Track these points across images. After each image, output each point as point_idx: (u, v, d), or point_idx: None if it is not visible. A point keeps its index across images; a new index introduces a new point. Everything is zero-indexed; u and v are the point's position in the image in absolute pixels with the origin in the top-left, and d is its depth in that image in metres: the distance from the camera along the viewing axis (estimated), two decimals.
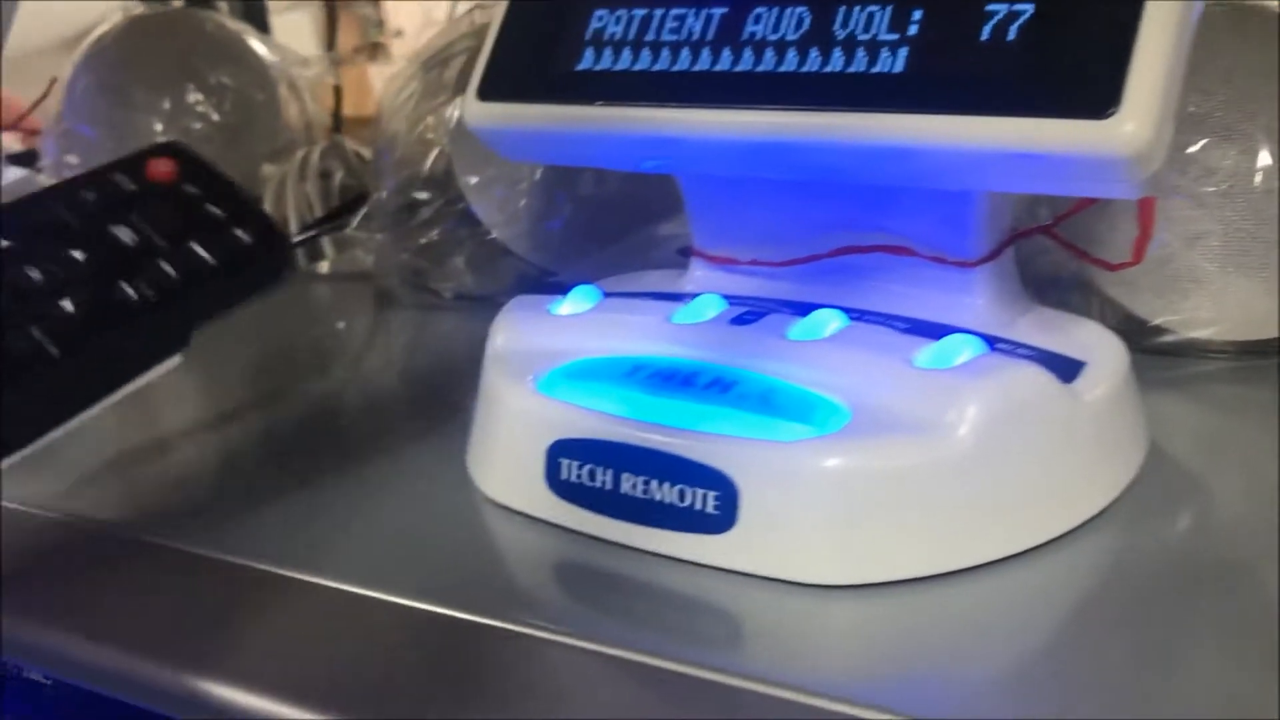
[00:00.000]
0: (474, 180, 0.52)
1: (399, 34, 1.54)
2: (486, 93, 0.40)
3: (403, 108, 0.57)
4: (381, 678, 0.30)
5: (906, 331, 0.36)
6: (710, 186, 0.41)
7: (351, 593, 0.33)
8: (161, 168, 0.39)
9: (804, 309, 0.38)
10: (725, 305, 0.39)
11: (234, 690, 0.30)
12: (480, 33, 0.57)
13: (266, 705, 0.29)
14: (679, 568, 0.33)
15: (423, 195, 0.55)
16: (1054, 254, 0.45)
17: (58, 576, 0.36)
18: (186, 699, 0.30)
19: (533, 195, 0.52)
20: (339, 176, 0.76)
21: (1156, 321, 0.44)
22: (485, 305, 0.56)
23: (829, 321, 0.36)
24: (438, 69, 0.57)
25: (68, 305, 0.34)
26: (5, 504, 0.39)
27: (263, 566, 0.34)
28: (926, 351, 0.34)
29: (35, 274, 0.34)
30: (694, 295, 0.40)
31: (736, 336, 0.36)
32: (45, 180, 0.77)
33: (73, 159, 0.74)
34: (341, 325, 0.57)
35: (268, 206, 0.72)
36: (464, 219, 0.55)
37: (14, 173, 0.75)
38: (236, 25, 0.77)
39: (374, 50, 1.46)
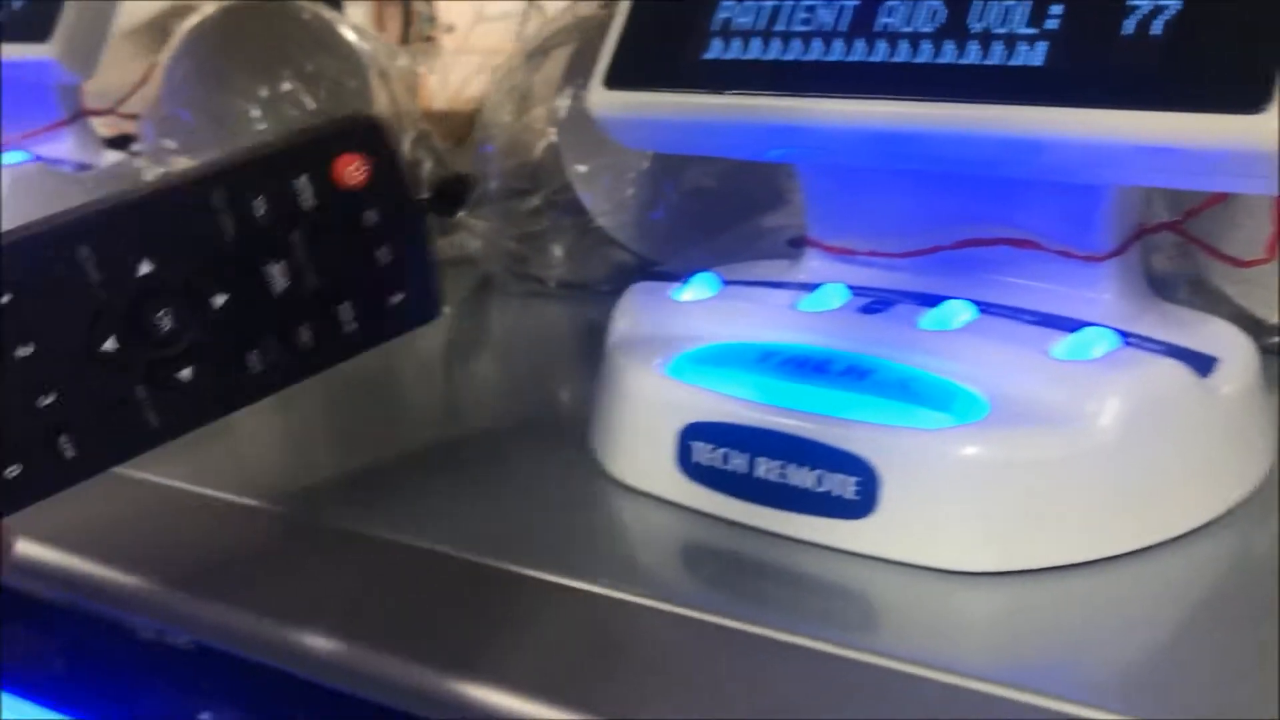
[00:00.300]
0: (583, 169, 0.53)
1: (450, 29, 1.55)
2: (613, 81, 0.41)
3: (507, 99, 0.57)
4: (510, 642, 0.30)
5: (1036, 324, 0.36)
6: (831, 176, 0.42)
7: (497, 568, 0.33)
8: (352, 171, 0.31)
9: (928, 300, 0.38)
10: (850, 294, 0.39)
11: (399, 663, 0.31)
12: (585, 25, 0.58)
13: (438, 681, 0.30)
14: (813, 552, 0.33)
15: (528, 185, 0.55)
16: (1166, 250, 0.45)
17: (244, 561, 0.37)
18: (369, 677, 0.31)
19: (640, 185, 0.52)
20: (428, 166, 0.77)
21: (1276, 321, 0.44)
22: (587, 293, 0.57)
23: (959, 312, 0.36)
24: (541, 60, 0.58)
25: (186, 374, 0.29)
26: (190, 487, 0.39)
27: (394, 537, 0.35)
28: (1063, 343, 0.34)
29: (165, 318, 0.28)
30: (816, 284, 0.40)
31: (866, 325, 0.37)
32: (142, 165, 0.78)
33: (170, 144, 0.75)
34: (447, 310, 0.57)
35: None
36: (567, 208, 0.55)
37: (111, 156, 0.76)
38: (331, 14, 0.77)
39: (426, 44, 1.47)
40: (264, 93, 0.72)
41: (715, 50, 0.39)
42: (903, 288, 0.40)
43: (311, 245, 0.30)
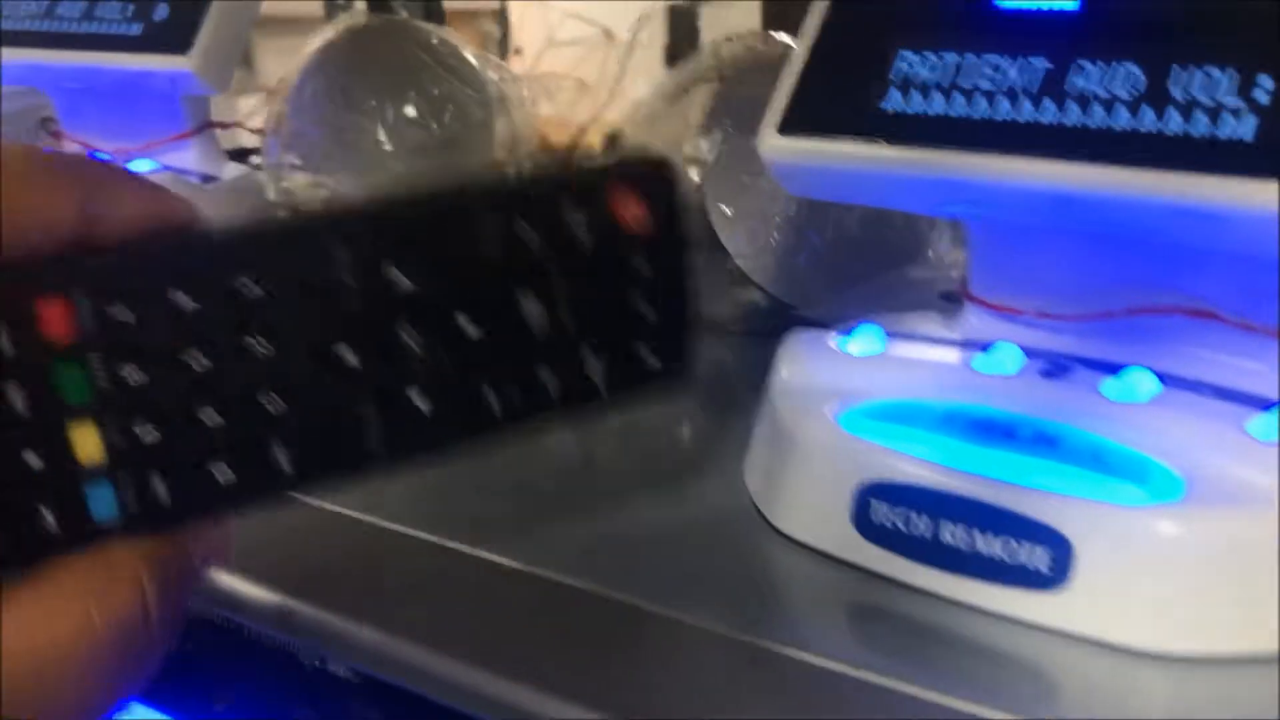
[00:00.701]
0: (727, 211, 0.52)
1: (518, 52, 1.56)
2: (788, 127, 0.40)
3: (648, 139, 0.57)
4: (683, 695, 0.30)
5: (1222, 398, 0.35)
6: (1003, 234, 0.41)
7: (657, 613, 0.33)
8: (631, 211, 0.28)
9: (1103, 366, 0.37)
10: (1024, 357, 0.38)
11: (540, 697, 0.31)
12: (727, 67, 0.58)
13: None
14: (994, 622, 0.32)
15: None
16: None
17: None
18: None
19: (783, 230, 0.52)
20: None
21: None
22: (716, 332, 0.56)
23: (1143, 382, 0.36)
24: (682, 99, 0.57)
25: (420, 401, 0.27)
26: (352, 513, 0.39)
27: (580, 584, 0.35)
28: (1258, 421, 0.33)
29: (410, 337, 0.26)
30: (983, 343, 0.39)
31: (1049, 390, 0.36)
32: (265, 179, 0.78)
33: (294, 159, 0.76)
34: None
35: None
36: (704, 247, 0.55)
37: (233, 169, 0.77)
38: (458, 39, 0.78)
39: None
40: (389, 114, 0.73)
41: (895, 101, 0.39)
42: (1070, 351, 0.39)
43: (573, 283, 0.27)
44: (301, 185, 0.80)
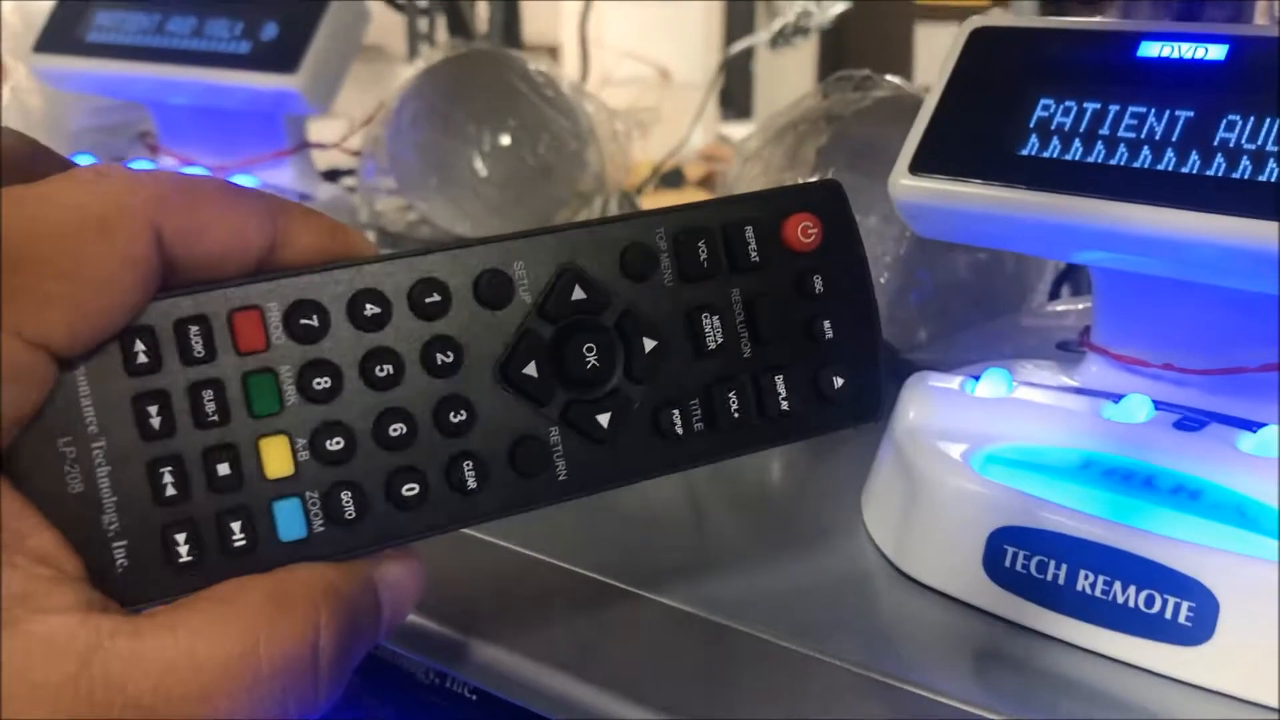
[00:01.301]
0: None
1: None
2: (920, 167, 0.40)
3: (753, 177, 0.57)
4: None
5: None
6: (1129, 284, 0.41)
7: (789, 649, 0.33)
8: (804, 232, 0.28)
9: (1235, 422, 0.37)
10: (1154, 408, 0.38)
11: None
12: (834, 105, 0.58)
13: None
14: (1129, 674, 0.32)
15: None
16: None
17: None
18: None
19: (894, 269, 0.52)
20: None
21: None
22: None
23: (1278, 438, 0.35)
24: (792, 137, 0.58)
25: (604, 420, 0.27)
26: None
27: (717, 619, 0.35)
28: None
29: (591, 355, 0.26)
30: (1113, 394, 0.39)
31: (1184, 442, 0.35)
32: (357, 201, 0.79)
33: (389, 183, 0.77)
34: None
35: None
36: None
37: (327, 189, 0.78)
38: (556, 70, 0.79)
39: None
40: (486, 141, 0.73)
41: (1031, 147, 0.39)
42: (1196, 405, 0.39)
43: (751, 305, 0.28)
44: (394, 208, 0.81)
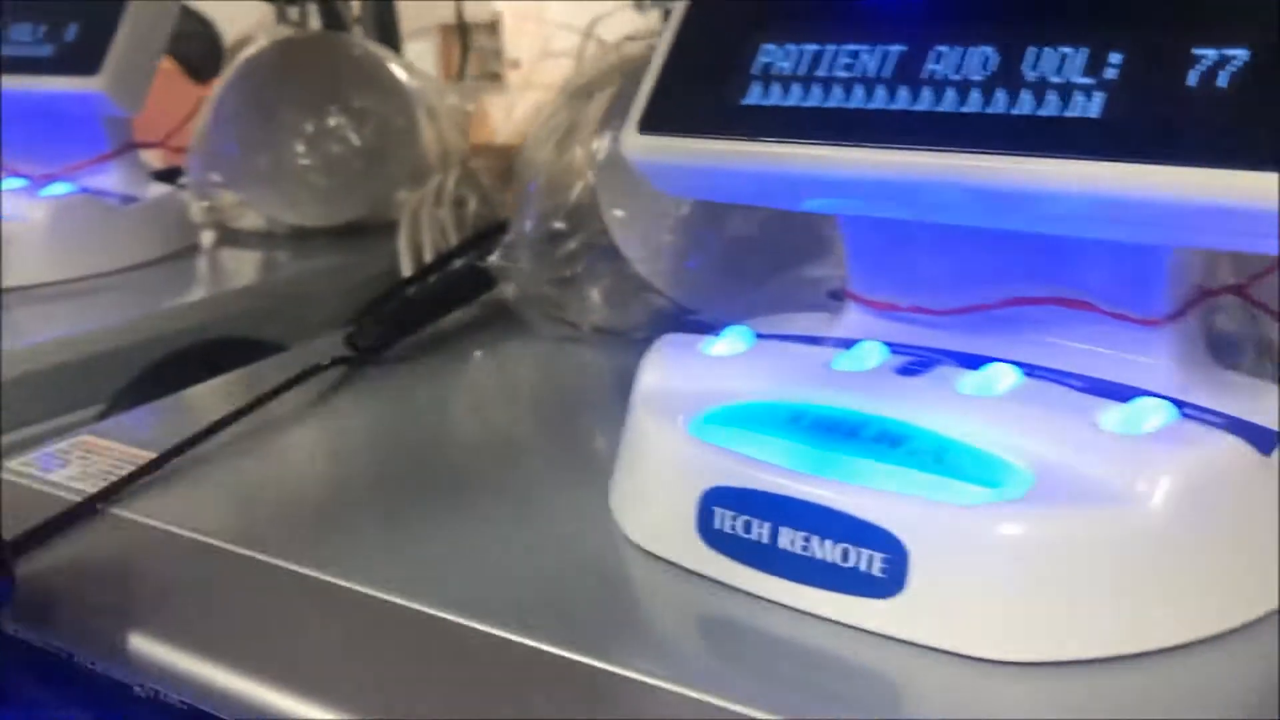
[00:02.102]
0: (619, 214, 0.51)
1: (516, 64, 1.55)
2: (648, 125, 0.39)
3: (549, 139, 0.56)
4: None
5: (1085, 391, 0.34)
6: (874, 229, 0.40)
7: (484, 632, 0.32)
8: None
9: (971, 361, 0.36)
10: (888, 353, 0.37)
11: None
12: (628, 66, 0.57)
13: None
14: (835, 631, 0.31)
15: (565, 227, 0.54)
16: (1229, 313, 0.42)
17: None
18: None
19: (678, 232, 0.51)
20: (473, 204, 0.76)
21: None
22: (623, 341, 0.55)
23: (1002, 377, 0.34)
24: (584, 101, 0.56)
25: None
26: (146, 521, 0.39)
27: (397, 600, 0.33)
28: (1113, 414, 0.32)
29: None
30: (853, 341, 0.38)
31: (903, 388, 0.35)
32: (189, 197, 0.78)
33: (216, 177, 0.75)
34: (479, 354, 0.56)
35: (403, 232, 0.72)
36: (605, 253, 0.54)
37: (156, 189, 0.76)
38: (381, 51, 0.77)
39: (492, 80, 1.47)
40: (310, 128, 0.72)
41: (755, 95, 0.38)
42: (946, 347, 0.38)
43: None
44: (232, 204, 0.79)
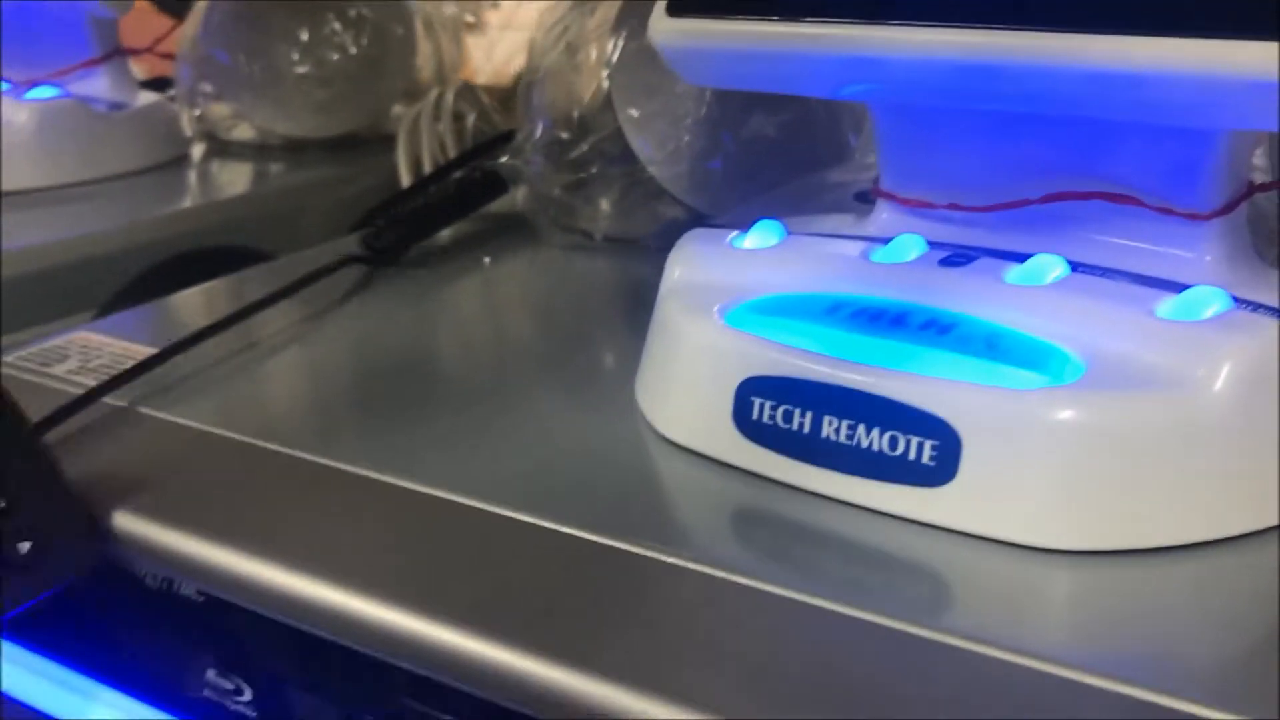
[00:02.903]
0: (635, 113, 0.49)
1: (496, 4, 1.52)
2: (677, 7, 0.37)
3: (556, 43, 0.54)
4: (543, 604, 0.27)
5: (1135, 283, 0.33)
6: (909, 119, 0.38)
7: (514, 519, 0.31)
8: None
9: (1013, 258, 0.35)
10: (927, 247, 0.36)
11: (383, 610, 0.28)
12: None
13: (420, 626, 0.27)
14: (881, 521, 0.30)
15: (575, 133, 0.52)
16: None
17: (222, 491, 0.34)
18: (347, 621, 0.28)
19: (695, 133, 0.49)
20: (471, 120, 0.74)
21: None
22: (634, 248, 0.54)
23: (1050, 268, 0.33)
24: (592, 6, 0.54)
25: None
26: (170, 418, 0.37)
27: (426, 490, 0.32)
28: (1168, 303, 0.31)
29: None
30: (888, 238, 0.37)
31: (947, 278, 0.33)
32: (179, 107, 0.75)
33: (207, 86, 0.73)
34: (488, 260, 0.54)
35: (401, 145, 0.70)
36: (617, 158, 0.52)
37: (146, 97, 0.74)
38: None
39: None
40: (305, 35, 0.70)
41: None
42: (984, 245, 0.37)
43: None
44: (223, 115, 0.77)
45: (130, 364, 0.40)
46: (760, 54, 0.36)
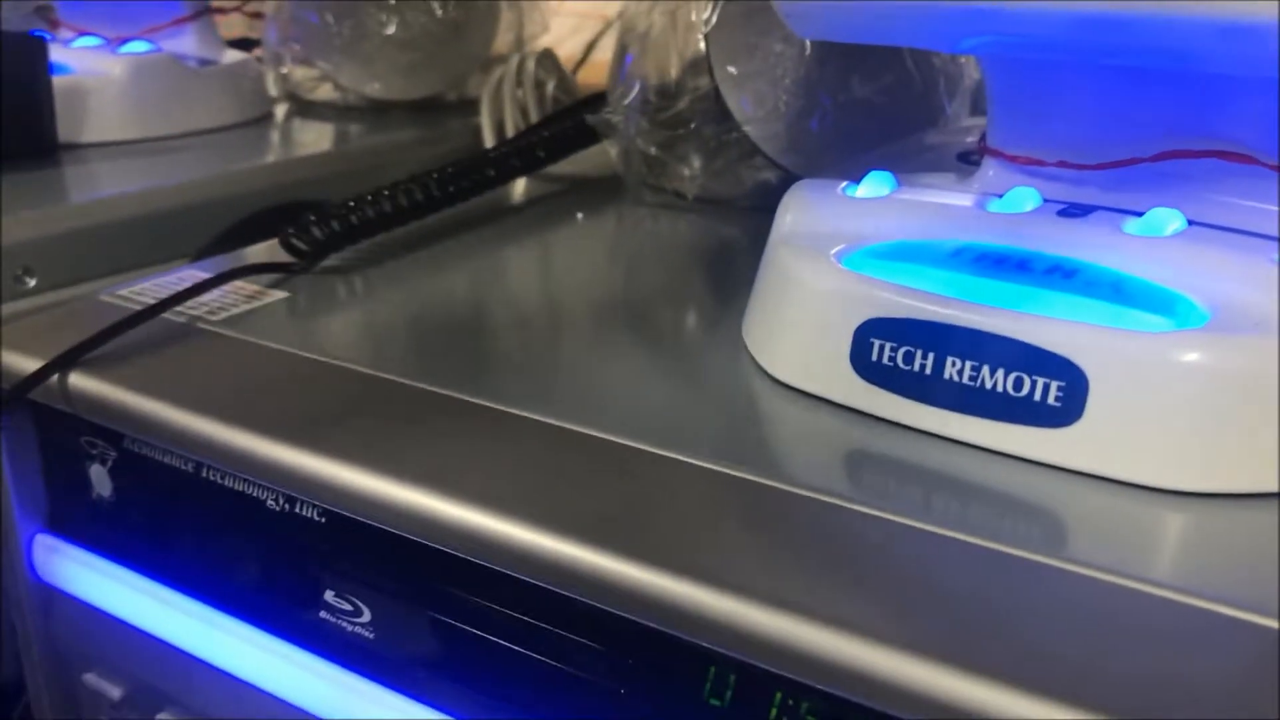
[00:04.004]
0: (734, 71, 0.50)
1: None
2: None
3: (652, 6, 0.54)
4: (673, 524, 0.28)
5: (1254, 237, 0.33)
6: (1024, 74, 0.38)
7: (638, 448, 0.31)
8: None
9: (1123, 212, 0.35)
10: (1041, 200, 0.36)
11: (510, 525, 0.28)
12: None
13: (546, 541, 0.28)
14: (1002, 462, 0.30)
15: (671, 93, 0.53)
16: None
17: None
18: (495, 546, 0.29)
19: (793, 92, 0.50)
20: (551, 85, 0.75)
21: None
22: (724, 208, 0.54)
23: (1169, 220, 0.33)
24: None
25: None
26: (282, 347, 0.38)
27: (545, 419, 0.33)
28: None
29: None
30: (1002, 192, 0.37)
31: (1067, 228, 0.33)
32: (264, 67, 0.76)
33: (294, 46, 0.74)
34: (580, 215, 0.55)
35: (485, 108, 0.70)
36: (710, 118, 0.52)
37: (232, 55, 0.75)
38: None
39: None
40: None
41: None
42: (1096, 203, 0.37)
43: None
44: (308, 76, 0.78)
45: (241, 300, 0.41)
46: (882, 7, 0.37)
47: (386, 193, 0.48)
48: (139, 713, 0.42)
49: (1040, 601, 0.25)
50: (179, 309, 0.41)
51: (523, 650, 0.31)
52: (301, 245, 0.45)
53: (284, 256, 0.46)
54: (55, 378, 0.37)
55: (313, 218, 0.45)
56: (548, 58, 0.76)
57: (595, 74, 0.97)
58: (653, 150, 0.53)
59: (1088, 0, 0.33)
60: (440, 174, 0.49)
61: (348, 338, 0.41)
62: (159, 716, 0.41)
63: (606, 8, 1.03)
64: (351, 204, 0.46)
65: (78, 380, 0.37)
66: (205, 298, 0.42)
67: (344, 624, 0.34)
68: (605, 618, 0.28)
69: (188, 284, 0.42)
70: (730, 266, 0.48)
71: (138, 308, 0.40)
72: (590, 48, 0.95)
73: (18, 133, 0.62)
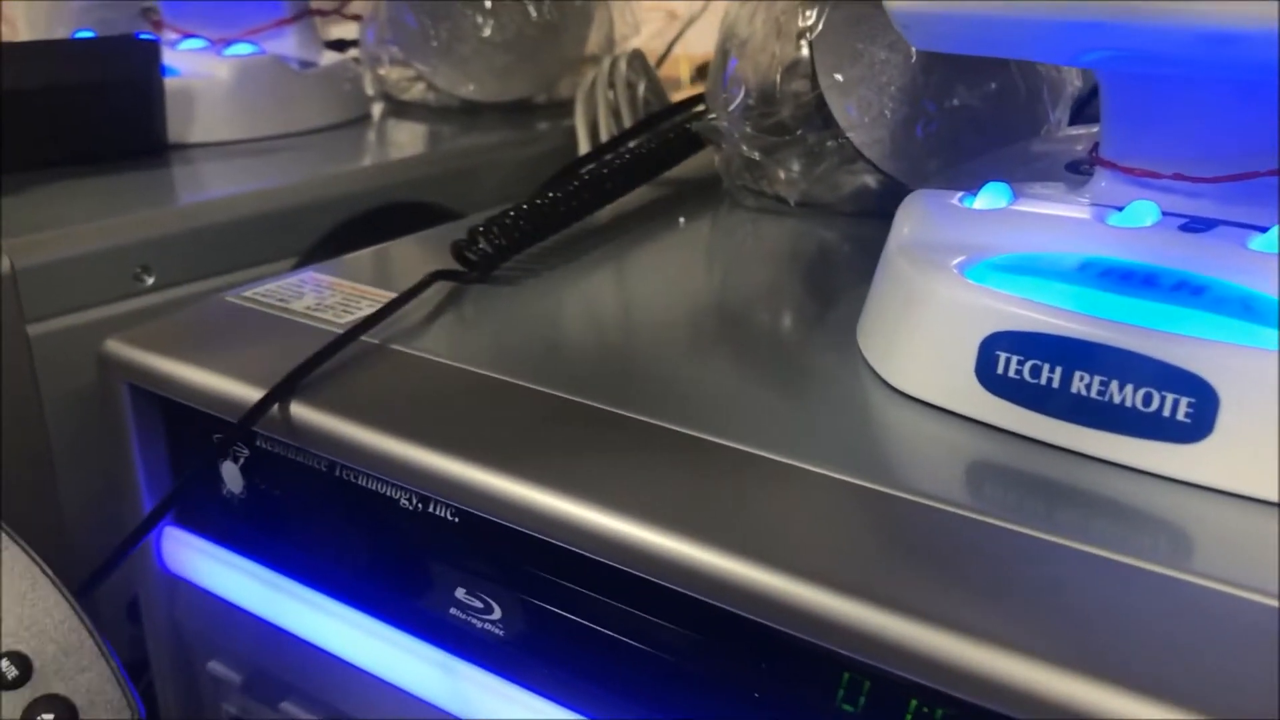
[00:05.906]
0: (839, 78, 0.50)
1: None
2: None
3: (754, 14, 0.55)
4: (814, 539, 0.28)
5: None
6: (1141, 87, 0.38)
7: (769, 458, 0.32)
8: None
9: (1244, 226, 0.35)
10: (1161, 215, 0.36)
11: (643, 530, 0.29)
12: None
13: (678, 546, 0.29)
14: (1128, 476, 0.31)
15: (773, 99, 0.53)
16: None
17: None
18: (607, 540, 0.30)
19: (898, 99, 0.50)
20: (642, 87, 0.76)
21: None
22: (825, 213, 0.54)
23: None
24: None
25: None
26: (420, 354, 0.39)
27: (673, 426, 0.33)
28: None
29: None
30: (1120, 204, 0.37)
31: (1191, 243, 0.34)
32: (361, 68, 0.78)
33: (392, 48, 0.75)
34: (683, 221, 0.56)
35: (580, 110, 0.71)
36: (812, 124, 0.53)
37: (330, 56, 0.77)
38: None
39: None
40: (489, 1, 0.71)
41: None
42: (1212, 216, 0.37)
43: None
44: (403, 77, 0.79)
45: (368, 304, 0.42)
46: (1002, 19, 0.37)
47: (540, 202, 0.49)
48: (261, 701, 0.43)
49: (1170, 613, 0.25)
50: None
51: (654, 652, 0.32)
52: (473, 256, 0.47)
53: (452, 265, 0.47)
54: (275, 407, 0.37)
55: (481, 228, 0.47)
56: (638, 59, 0.77)
57: (669, 70, 0.98)
58: (756, 155, 0.54)
59: (1213, 14, 0.33)
60: (580, 184, 0.51)
61: (473, 344, 0.41)
62: (282, 705, 0.42)
63: (676, 6, 1.04)
64: (512, 214, 0.48)
65: (296, 409, 0.37)
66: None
67: (474, 621, 0.35)
68: (740, 622, 0.28)
69: (315, 289, 0.43)
70: (835, 273, 0.49)
71: (271, 312, 0.41)
72: (671, 45, 0.96)
73: (131, 133, 0.64)
